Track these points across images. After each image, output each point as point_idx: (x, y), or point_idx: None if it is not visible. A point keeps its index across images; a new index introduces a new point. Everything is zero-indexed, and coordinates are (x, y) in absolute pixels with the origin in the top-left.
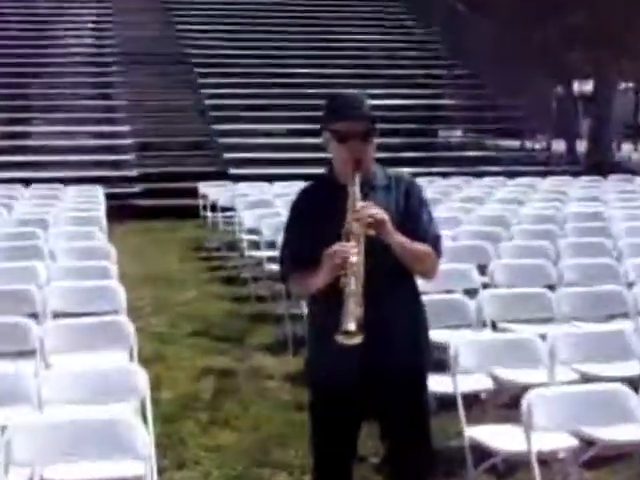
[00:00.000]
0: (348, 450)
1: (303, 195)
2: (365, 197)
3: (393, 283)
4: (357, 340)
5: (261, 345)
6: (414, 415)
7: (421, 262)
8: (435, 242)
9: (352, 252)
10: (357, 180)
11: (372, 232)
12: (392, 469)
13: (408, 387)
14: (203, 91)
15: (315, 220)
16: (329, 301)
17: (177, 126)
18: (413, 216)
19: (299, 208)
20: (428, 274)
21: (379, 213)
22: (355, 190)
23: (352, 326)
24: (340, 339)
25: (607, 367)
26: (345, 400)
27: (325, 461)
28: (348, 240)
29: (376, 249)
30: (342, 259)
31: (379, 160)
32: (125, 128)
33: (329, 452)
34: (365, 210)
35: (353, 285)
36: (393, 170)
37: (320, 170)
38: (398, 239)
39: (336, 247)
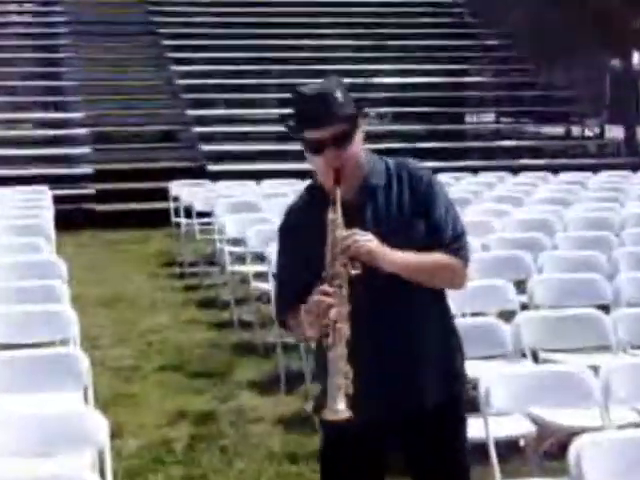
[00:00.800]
0: None
1: (291, 215)
2: (361, 205)
3: (409, 302)
4: (346, 415)
5: (247, 382)
6: (450, 464)
7: (436, 277)
8: (453, 243)
9: (333, 304)
10: (338, 199)
11: (358, 271)
12: None
13: (440, 427)
14: (174, 68)
15: (308, 245)
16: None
17: (142, 112)
18: (422, 216)
19: (288, 231)
20: (453, 286)
21: (363, 245)
22: (333, 217)
23: (341, 405)
24: (327, 415)
25: None
26: (366, 445)
27: None
28: (331, 284)
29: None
30: (322, 316)
31: (390, 152)
32: (77, 115)
33: None
34: (347, 241)
35: (337, 348)
36: (394, 160)
37: None
38: (397, 264)
39: (314, 299)
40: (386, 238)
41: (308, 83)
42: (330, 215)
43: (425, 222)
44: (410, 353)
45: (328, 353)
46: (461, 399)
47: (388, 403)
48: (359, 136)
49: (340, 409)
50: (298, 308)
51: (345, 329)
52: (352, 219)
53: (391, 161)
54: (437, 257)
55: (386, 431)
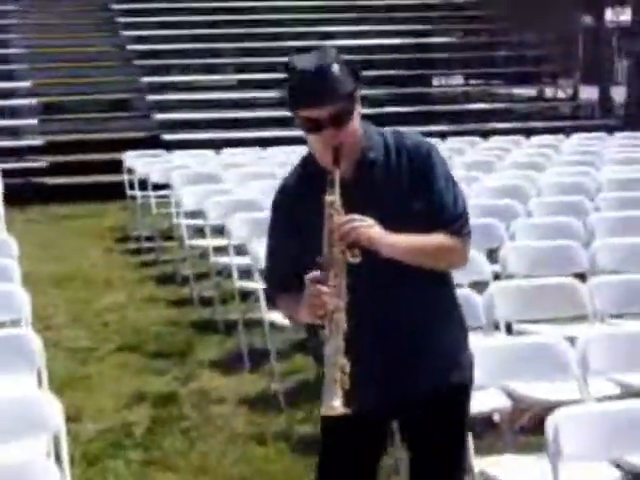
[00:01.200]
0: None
1: (285, 190)
2: (359, 181)
3: (409, 286)
4: (344, 410)
5: (209, 361)
6: (451, 447)
7: (437, 259)
8: (454, 223)
9: (330, 294)
10: (336, 181)
11: (356, 259)
12: None
13: (444, 411)
14: (126, 33)
15: (301, 220)
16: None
17: (93, 79)
18: (421, 191)
19: (282, 208)
20: (452, 267)
21: (363, 232)
22: (331, 200)
23: (337, 401)
24: (324, 411)
25: None
26: (366, 429)
27: None
28: (328, 272)
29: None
30: (320, 307)
31: (362, 117)
32: (25, 84)
33: None
34: (346, 228)
35: (333, 341)
36: (393, 133)
37: (280, 132)
38: (397, 249)
39: (311, 290)
40: (384, 218)
41: (301, 54)
42: (328, 197)
43: (425, 197)
44: (412, 339)
45: (325, 346)
46: (463, 386)
47: (388, 389)
48: (358, 111)
49: (336, 405)
50: (290, 288)
51: (342, 321)
52: (349, 197)
53: (389, 133)
54: (438, 239)
55: (386, 415)
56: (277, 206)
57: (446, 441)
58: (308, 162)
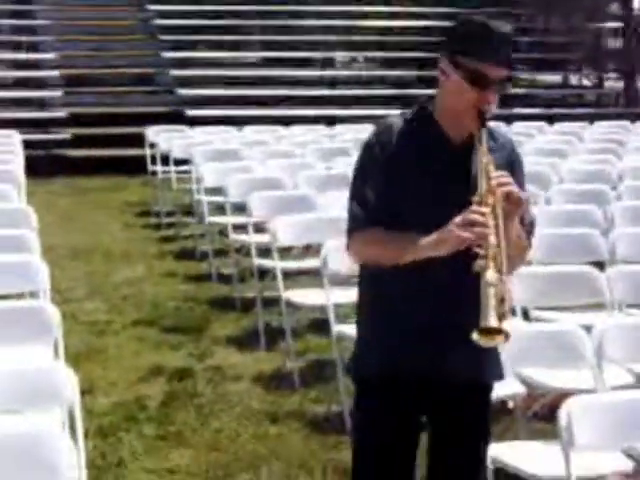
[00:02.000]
0: (411, 454)
1: (390, 133)
2: (469, 153)
3: (469, 278)
4: (499, 341)
5: (225, 338)
6: (478, 440)
7: (522, 255)
8: (532, 230)
9: (490, 227)
10: (484, 138)
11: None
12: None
13: (473, 403)
14: (151, 7)
15: (406, 169)
16: (413, 278)
17: (117, 53)
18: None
19: (383, 147)
20: (516, 268)
21: (519, 190)
22: (484, 151)
23: (493, 321)
24: (477, 338)
25: None
26: (408, 394)
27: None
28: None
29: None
30: (480, 235)
31: (380, 99)
32: (50, 55)
33: (387, 459)
34: (502, 179)
35: (493, 273)
36: (498, 129)
37: (302, 111)
38: (518, 226)
39: (472, 215)
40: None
41: (483, 16)
42: (480, 149)
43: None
44: (464, 328)
45: (482, 276)
46: (491, 385)
47: (449, 365)
48: None
49: (493, 326)
50: (382, 224)
51: (502, 258)
52: (458, 169)
53: (495, 128)
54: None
55: (431, 393)
56: (379, 150)
57: (474, 433)
58: (421, 116)
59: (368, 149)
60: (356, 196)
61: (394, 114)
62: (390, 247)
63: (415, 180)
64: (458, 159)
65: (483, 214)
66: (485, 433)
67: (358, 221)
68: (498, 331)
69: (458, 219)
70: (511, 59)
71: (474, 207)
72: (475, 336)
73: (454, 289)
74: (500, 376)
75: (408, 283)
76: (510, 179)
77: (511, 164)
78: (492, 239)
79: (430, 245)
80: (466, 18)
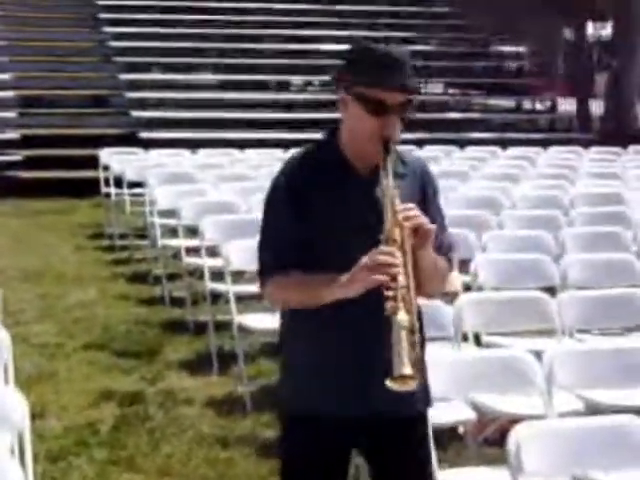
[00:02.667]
0: None
1: (296, 169)
2: (376, 181)
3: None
4: (412, 385)
5: (177, 362)
6: (419, 471)
7: (441, 281)
8: (449, 250)
9: (399, 267)
10: (389, 167)
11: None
12: None
13: (408, 436)
14: (107, 29)
15: (313, 203)
16: (336, 316)
17: (72, 75)
18: (430, 215)
19: (291, 186)
20: (439, 292)
21: (426, 221)
22: (389, 182)
23: (407, 369)
24: (391, 385)
25: (620, 394)
26: (334, 443)
27: None
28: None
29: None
30: (390, 275)
31: (330, 122)
32: (4, 76)
33: None
34: (408, 213)
35: (404, 314)
36: (403, 150)
37: (257, 134)
38: (429, 252)
39: (379, 257)
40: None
41: (367, 41)
42: (384, 181)
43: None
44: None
45: (392, 317)
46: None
47: (372, 402)
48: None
49: (407, 373)
50: (293, 267)
51: (412, 297)
52: (366, 193)
53: (405, 151)
54: (442, 260)
55: (359, 431)
56: (285, 187)
57: (415, 467)
58: (326, 148)
59: (274, 189)
60: (263, 240)
61: (301, 149)
62: (302, 292)
63: (323, 214)
64: (365, 188)
65: (391, 254)
66: (427, 466)
67: (268, 267)
68: (411, 377)
69: (366, 260)
70: (410, 82)
71: (382, 247)
72: (389, 383)
73: (371, 324)
74: (427, 403)
75: (324, 320)
76: (416, 211)
77: (423, 187)
78: (401, 279)
79: (341, 288)
80: (358, 45)
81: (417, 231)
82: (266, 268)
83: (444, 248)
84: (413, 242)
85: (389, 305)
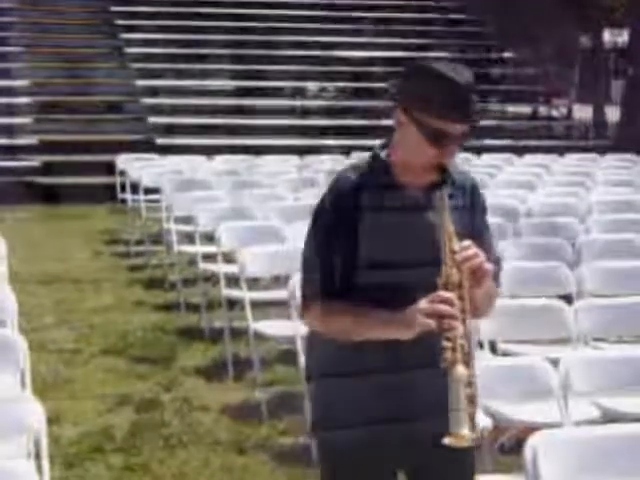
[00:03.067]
0: None
1: (343, 191)
2: (429, 204)
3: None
4: (469, 442)
5: (193, 368)
6: None
7: (490, 305)
8: (498, 269)
9: (458, 317)
10: (446, 199)
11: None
12: None
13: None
14: (124, 35)
15: (366, 233)
16: (386, 355)
17: (89, 80)
18: (480, 236)
19: (339, 209)
20: (485, 314)
21: (484, 261)
22: (446, 217)
23: (465, 429)
24: (448, 442)
25: (638, 402)
26: (387, 462)
27: None
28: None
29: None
30: (447, 328)
31: (349, 129)
32: (22, 83)
33: None
34: (467, 253)
35: (462, 368)
36: (456, 168)
37: (273, 140)
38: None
39: (439, 306)
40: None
41: (437, 62)
42: (441, 214)
43: (480, 245)
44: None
45: (450, 372)
46: None
47: (416, 427)
48: None
49: (464, 434)
50: (339, 298)
51: (470, 347)
52: (417, 223)
53: (454, 168)
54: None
55: (404, 456)
56: (331, 205)
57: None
58: (379, 171)
59: (321, 212)
60: (309, 264)
61: (346, 167)
62: (349, 323)
63: (374, 242)
64: (417, 212)
65: (451, 302)
66: None
67: (313, 293)
68: (468, 437)
69: (424, 306)
70: (474, 109)
71: (441, 293)
72: (446, 440)
73: (419, 362)
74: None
75: (372, 357)
76: (474, 251)
77: (472, 206)
78: (460, 330)
79: (396, 329)
80: (419, 66)
81: (475, 272)
82: (311, 293)
83: (494, 268)
84: (470, 282)
85: (447, 356)
